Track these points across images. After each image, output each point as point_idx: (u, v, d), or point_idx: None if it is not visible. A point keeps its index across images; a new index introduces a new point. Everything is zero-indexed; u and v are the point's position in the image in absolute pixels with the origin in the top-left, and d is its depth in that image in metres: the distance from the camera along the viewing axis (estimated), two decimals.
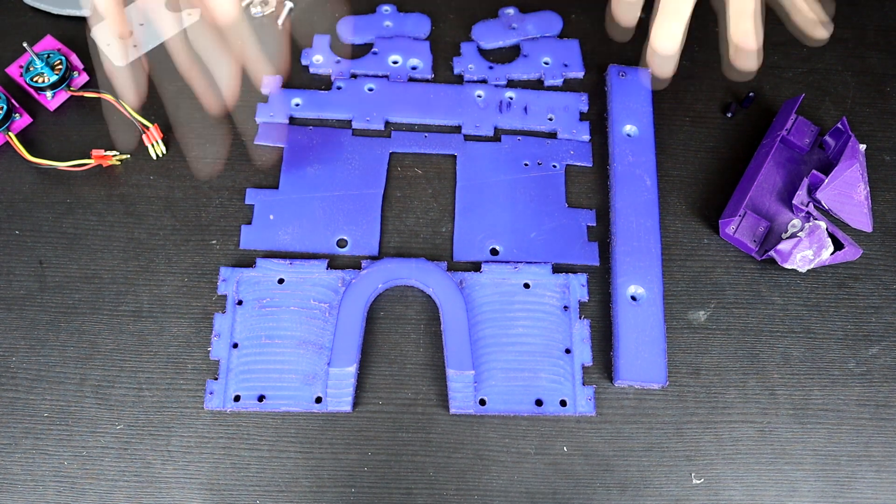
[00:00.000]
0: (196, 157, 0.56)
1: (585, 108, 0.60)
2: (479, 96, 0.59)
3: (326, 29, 0.63)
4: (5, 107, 0.55)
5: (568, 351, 0.50)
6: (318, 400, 0.48)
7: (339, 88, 0.59)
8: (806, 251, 0.51)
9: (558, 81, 0.60)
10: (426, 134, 0.58)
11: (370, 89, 0.59)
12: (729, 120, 0.60)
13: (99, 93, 0.57)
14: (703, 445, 0.49)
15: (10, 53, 0.59)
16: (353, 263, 0.53)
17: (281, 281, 0.51)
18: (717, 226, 0.55)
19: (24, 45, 0.55)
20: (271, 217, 0.54)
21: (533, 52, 0.62)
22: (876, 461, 0.49)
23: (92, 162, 0.55)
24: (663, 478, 0.48)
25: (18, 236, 0.53)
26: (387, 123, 0.59)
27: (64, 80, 0.57)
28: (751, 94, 0.60)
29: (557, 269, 0.53)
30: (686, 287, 0.53)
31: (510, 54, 0.62)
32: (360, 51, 0.62)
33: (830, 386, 0.51)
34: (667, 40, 0.46)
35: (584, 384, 0.49)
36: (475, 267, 0.53)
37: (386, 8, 0.63)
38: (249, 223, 0.54)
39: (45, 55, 0.57)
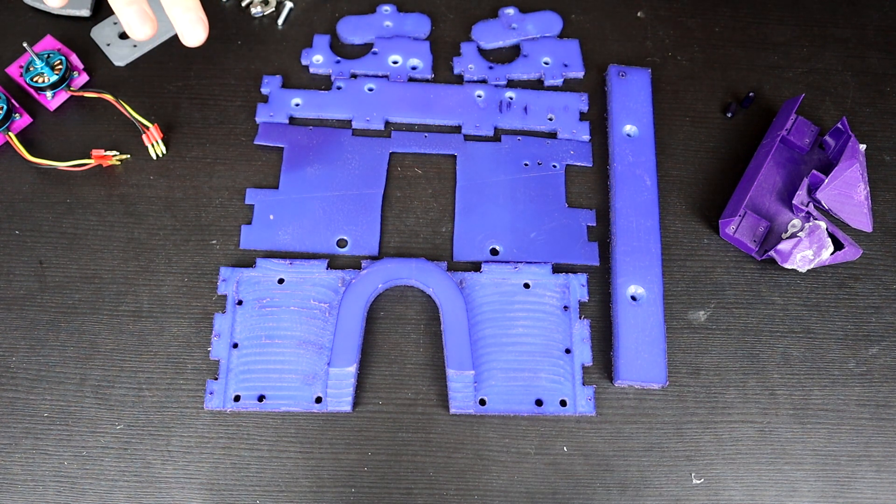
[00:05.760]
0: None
1: (585, 108, 0.59)
2: (479, 96, 0.59)
3: (326, 29, 0.63)
4: (5, 107, 0.55)
5: (568, 351, 0.50)
6: (318, 400, 0.48)
7: (339, 88, 0.59)
8: (806, 251, 0.51)
9: (558, 81, 0.60)
10: (426, 134, 0.58)
11: (370, 89, 0.59)
12: (729, 120, 0.60)
13: (99, 93, 0.57)
14: (703, 445, 0.49)
15: (10, 53, 0.59)
16: (353, 263, 0.53)
17: (281, 281, 0.51)
18: (717, 226, 0.55)
19: (24, 45, 0.55)
20: (271, 217, 0.54)
21: (533, 52, 0.62)
22: (876, 461, 0.49)
23: (92, 162, 0.55)
24: (663, 478, 0.48)
25: (18, 236, 0.53)
26: (387, 123, 0.59)
27: (64, 80, 0.57)
28: (751, 94, 0.60)
29: (557, 269, 0.53)
30: (686, 287, 0.53)
31: (510, 54, 0.62)
32: (360, 51, 0.62)
33: (830, 386, 0.51)
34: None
35: (584, 384, 0.49)
36: (475, 267, 0.53)
37: (386, 8, 0.63)
38: (249, 223, 0.54)
39: (45, 55, 0.57)
